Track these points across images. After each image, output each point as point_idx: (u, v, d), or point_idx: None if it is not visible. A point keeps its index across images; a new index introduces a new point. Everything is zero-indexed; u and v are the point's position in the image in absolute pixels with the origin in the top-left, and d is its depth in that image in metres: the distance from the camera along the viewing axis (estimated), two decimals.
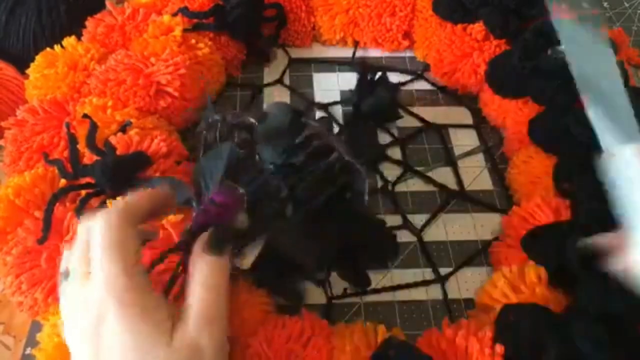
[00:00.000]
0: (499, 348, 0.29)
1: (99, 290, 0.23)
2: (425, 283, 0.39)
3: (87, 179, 0.36)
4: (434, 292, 0.39)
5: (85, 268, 0.25)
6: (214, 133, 0.32)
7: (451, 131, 0.48)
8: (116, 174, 0.35)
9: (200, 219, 0.27)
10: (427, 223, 0.42)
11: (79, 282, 0.25)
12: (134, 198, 0.26)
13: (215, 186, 0.28)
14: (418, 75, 0.52)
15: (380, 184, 0.44)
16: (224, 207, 0.27)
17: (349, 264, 0.38)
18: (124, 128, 0.39)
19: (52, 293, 0.33)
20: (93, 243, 0.24)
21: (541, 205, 0.37)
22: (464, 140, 0.48)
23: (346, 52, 0.54)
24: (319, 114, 0.49)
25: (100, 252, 0.24)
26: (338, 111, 0.49)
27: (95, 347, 0.24)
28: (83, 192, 0.36)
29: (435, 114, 0.49)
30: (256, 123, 0.30)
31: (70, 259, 0.26)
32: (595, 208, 0.35)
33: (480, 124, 0.49)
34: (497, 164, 0.46)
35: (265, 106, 0.49)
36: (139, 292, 0.24)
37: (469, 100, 0.50)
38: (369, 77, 0.47)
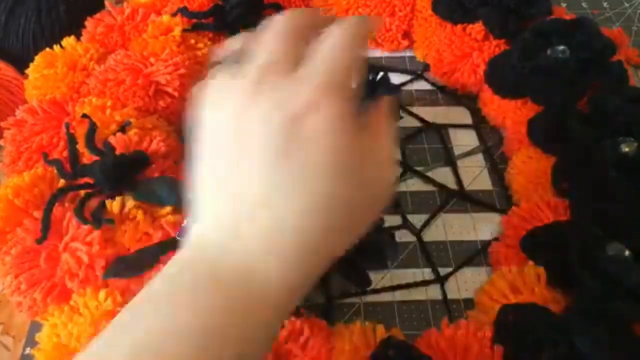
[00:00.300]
0: (498, 348, 0.29)
1: (324, 77, 0.21)
2: (424, 283, 0.39)
3: (86, 179, 0.36)
4: (433, 292, 0.39)
5: (294, 52, 0.22)
6: None
7: (451, 131, 0.48)
8: (115, 174, 0.35)
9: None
10: (427, 223, 0.42)
11: (279, 66, 0.22)
12: (365, 22, 0.24)
13: None
14: (418, 75, 0.52)
15: None
16: None
17: (349, 264, 0.38)
18: (123, 128, 0.39)
19: (51, 293, 0.33)
20: (336, 32, 0.22)
21: (540, 205, 0.37)
22: (463, 140, 0.48)
23: None
24: None
25: (342, 44, 0.22)
26: None
27: (289, 140, 0.20)
28: (82, 192, 0.36)
29: (434, 114, 0.49)
30: None
31: (261, 42, 0.23)
32: (594, 208, 0.35)
33: (479, 123, 0.49)
34: (497, 164, 0.46)
35: None
36: (356, 106, 0.22)
37: (468, 100, 0.50)
38: (370, 78, 0.47)
